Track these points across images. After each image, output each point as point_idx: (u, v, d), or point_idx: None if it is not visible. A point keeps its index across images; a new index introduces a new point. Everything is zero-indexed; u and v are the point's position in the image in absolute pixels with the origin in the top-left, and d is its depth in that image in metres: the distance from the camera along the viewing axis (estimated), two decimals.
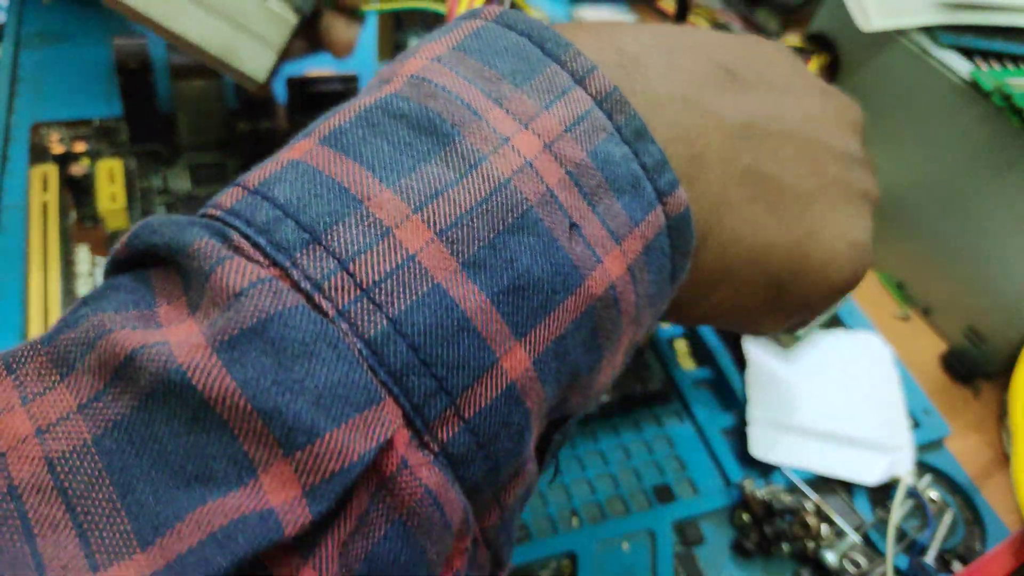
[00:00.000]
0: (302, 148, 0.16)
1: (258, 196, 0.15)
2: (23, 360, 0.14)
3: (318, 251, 0.15)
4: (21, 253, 0.35)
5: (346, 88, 0.40)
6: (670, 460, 0.34)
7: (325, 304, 0.14)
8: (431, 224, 0.15)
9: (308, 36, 0.36)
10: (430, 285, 0.15)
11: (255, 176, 0.16)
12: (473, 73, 0.17)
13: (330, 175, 0.15)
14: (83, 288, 0.35)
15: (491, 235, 0.15)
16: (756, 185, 0.20)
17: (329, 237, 0.15)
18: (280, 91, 0.42)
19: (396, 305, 0.14)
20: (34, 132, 0.41)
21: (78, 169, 0.38)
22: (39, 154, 0.40)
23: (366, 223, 0.15)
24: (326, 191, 0.15)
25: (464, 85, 0.17)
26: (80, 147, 0.41)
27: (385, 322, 0.14)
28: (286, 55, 0.35)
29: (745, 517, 0.32)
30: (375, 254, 0.15)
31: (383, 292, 0.14)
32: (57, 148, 0.40)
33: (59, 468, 0.13)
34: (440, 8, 0.32)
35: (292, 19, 0.33)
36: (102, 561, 0.12)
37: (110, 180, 0.38)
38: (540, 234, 0.16)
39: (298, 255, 0.14)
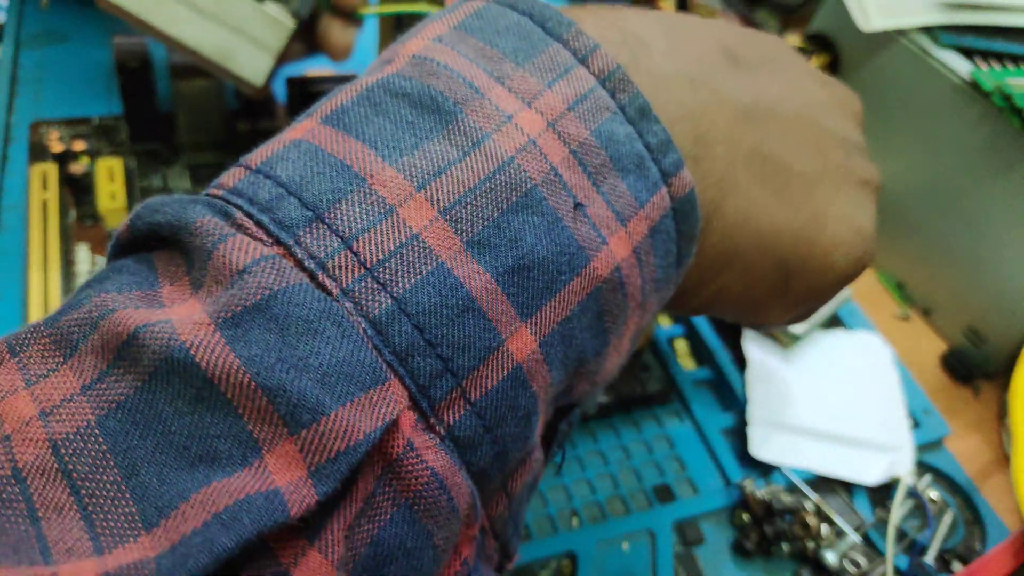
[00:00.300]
0: (304, 127, 0.16)
1: (260, 175, 0.15)
2: (26, 342, 0.14)
3: (321, 229, 0.14)
4: (21, 252, 0.35)
5: None
6: (670, 460, 0.34)
7: (329, 283, 0.14)
8: (434, 202, 0.15)
9: (306, 39, 0.36)
10: (434, 264, 0.15)
11: (258, 155, 0.16)
12: (475, 52, 0.17)
13: (332, 153, 0.15)
14: None
15: (495, 214, 0.15)
16: (762, 166, 0.20)
17: (332, 215, 0.15)
18: (280, 91, 0.42)
19: (400, 284, 0.14)
20: (33, 130, 0.41)
21: (78, 168, 0.38)
22: (39, 152, 0.40)
23: (369, 201, 0.15)
24: (328, 169, 0.15)
25: (466, 64, 0.17)
26: (80, 146, 0.40)
27: (390, 301, 0.14)
28: (284, 58, 0.35)
29: (745, 517, 0.32)
30: (378, 232, 0.15)
31: (387, 271, 0.14)
32: (56, 146, 0.40)
33: (63, 451, 0.13)
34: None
35: (289, 23, 0.33)
36: (107, 544, 0.12)
37: (110, 179, 0.38)
38: (544, 213, 0.16)
39: (301, 233, 0.14)
